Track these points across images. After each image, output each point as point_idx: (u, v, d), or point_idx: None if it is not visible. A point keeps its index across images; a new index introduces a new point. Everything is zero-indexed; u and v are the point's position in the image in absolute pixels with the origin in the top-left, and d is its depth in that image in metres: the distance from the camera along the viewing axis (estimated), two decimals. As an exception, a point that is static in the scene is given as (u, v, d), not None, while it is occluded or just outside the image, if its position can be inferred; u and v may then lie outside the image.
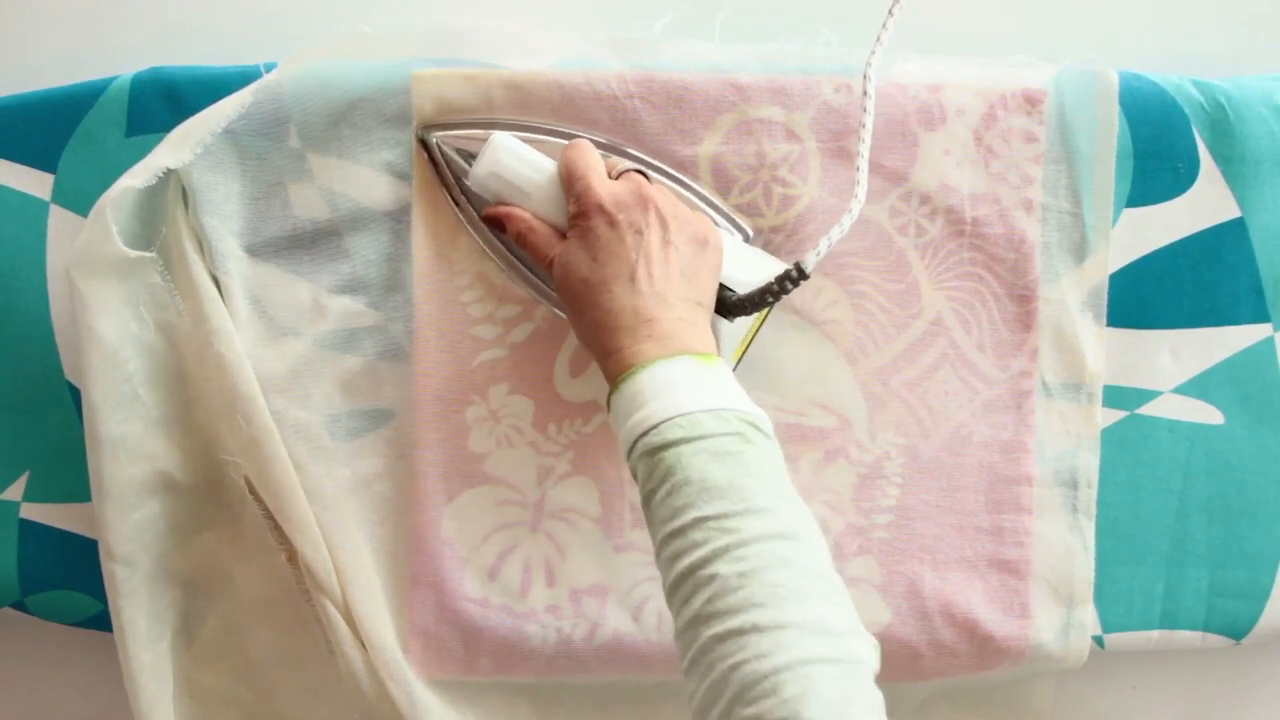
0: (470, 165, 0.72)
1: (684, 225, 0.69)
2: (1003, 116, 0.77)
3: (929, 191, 0.78)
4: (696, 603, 0.57)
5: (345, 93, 0.74)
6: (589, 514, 0.79)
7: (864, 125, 0.72)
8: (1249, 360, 0.81)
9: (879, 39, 0.73)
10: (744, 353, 0.75)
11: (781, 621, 0.55)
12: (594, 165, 0.70)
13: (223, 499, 0.78)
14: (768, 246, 0.77)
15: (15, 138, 0.77)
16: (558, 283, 0.69)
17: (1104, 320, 0.80)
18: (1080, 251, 0.79)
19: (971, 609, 0.79)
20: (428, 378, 0.77)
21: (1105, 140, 0.78)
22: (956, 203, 0.78)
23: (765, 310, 0.73)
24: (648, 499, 0.62)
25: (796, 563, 0.58)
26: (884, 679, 0.80)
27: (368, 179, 0.76)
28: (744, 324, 0.74)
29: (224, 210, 0.74)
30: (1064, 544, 0.80)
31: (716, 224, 0.75)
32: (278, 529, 0.75)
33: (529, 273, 0.76)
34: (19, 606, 0.81)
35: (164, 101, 0.76)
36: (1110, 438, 0.81)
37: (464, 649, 0.78)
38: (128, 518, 0.74)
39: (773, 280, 0.69)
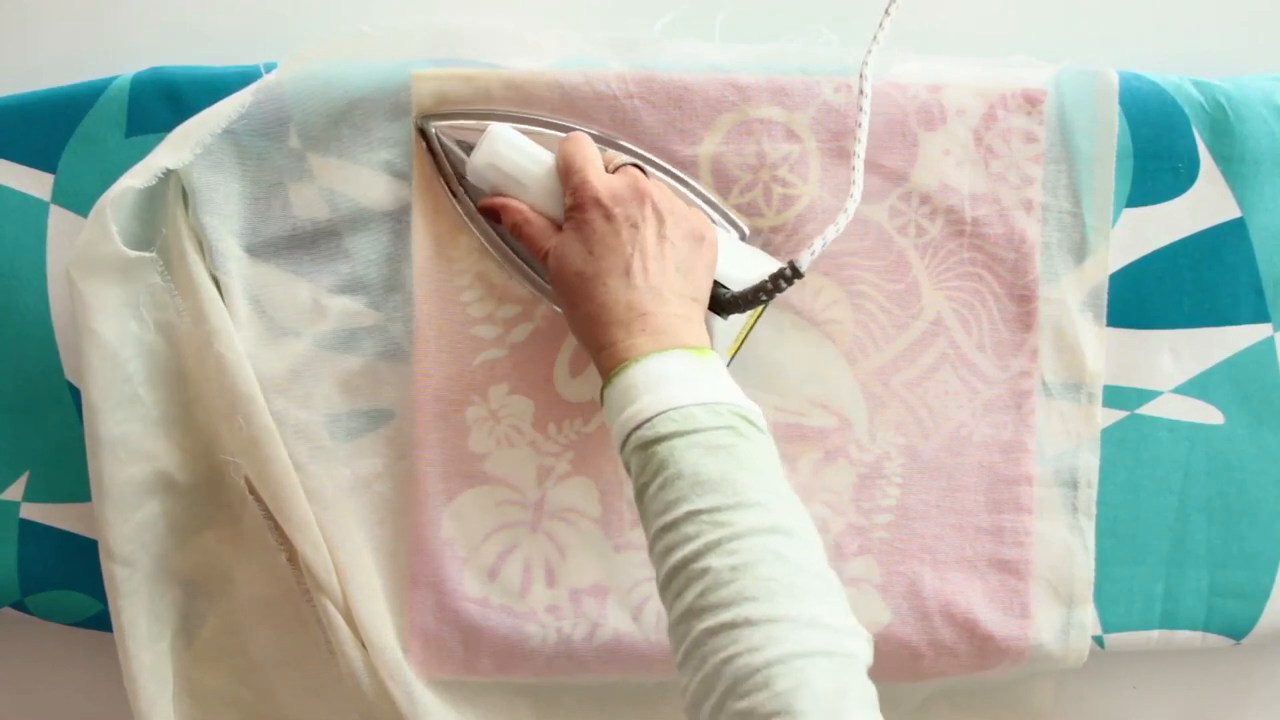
0: (469, 156, 0.72)
1: (680, 221, 0.69)
2: (1003, 116, 0.77)
3: (929, 191, 0.78)
4: (689, 596, 0.57)
5: (345, 93, 0.74)
6: (589, 514, 0.79)
7: (860, 125, 0.72)
8: (1249, 360, 0.81)
9: (875, 38, 0.73)
10: (738, 350, 0.75)
11: (774, 615, 0.55)
12: (591, 158, 0.70)
13: (223, 499, 0.78)
14: (767, 246, 0.77)
15: (15, 138, 0.77)
16: (552, 275, 0.69)
17: (1104, 320, 0.80)
18: (1080, 251, 0.79)
19: (971, 609, 0.79)
20: (428, 378, 0.77)
21: (1105, 140, 0.78)
22: (956, 203, 0.78)
23: (760, 308, 0.74)
24: (641, 493, 0.62)
25: (789, 557, 0.58)
26: (884, 679, 0.80)
27: (368, 179, 0.76)
28: (738, 321, 0.74)
29: (224, 210, 0.74)
30: (1064, 544, 0.80)
31: (713, 221, 0.75)
32: (278, 529, 0.75)
33: (524, 265, 0.76)
34: (19, 606, 0.81)
35: (164, 101, 0.76)
36: (1110, 438, 0.81)
37: (464, 649, 0.78)
38: (128, 518, 0.74)
39: (767, 278, 0.70)
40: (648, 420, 0.62)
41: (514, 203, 0.71)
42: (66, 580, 0.80)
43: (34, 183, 0.77)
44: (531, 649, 0.78)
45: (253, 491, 0.75)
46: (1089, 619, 0.81)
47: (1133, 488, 0.82)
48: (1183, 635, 0.83)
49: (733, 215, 0.76)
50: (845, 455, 0.79)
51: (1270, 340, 0.81)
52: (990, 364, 0.79)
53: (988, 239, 0.78)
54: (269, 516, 0.76)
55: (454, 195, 0.75)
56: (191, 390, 0.76)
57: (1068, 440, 0.80)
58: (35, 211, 0.77)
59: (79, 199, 0.77)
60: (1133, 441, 0.81)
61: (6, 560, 0.80)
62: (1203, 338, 0.81)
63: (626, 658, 0.79)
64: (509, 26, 0.77)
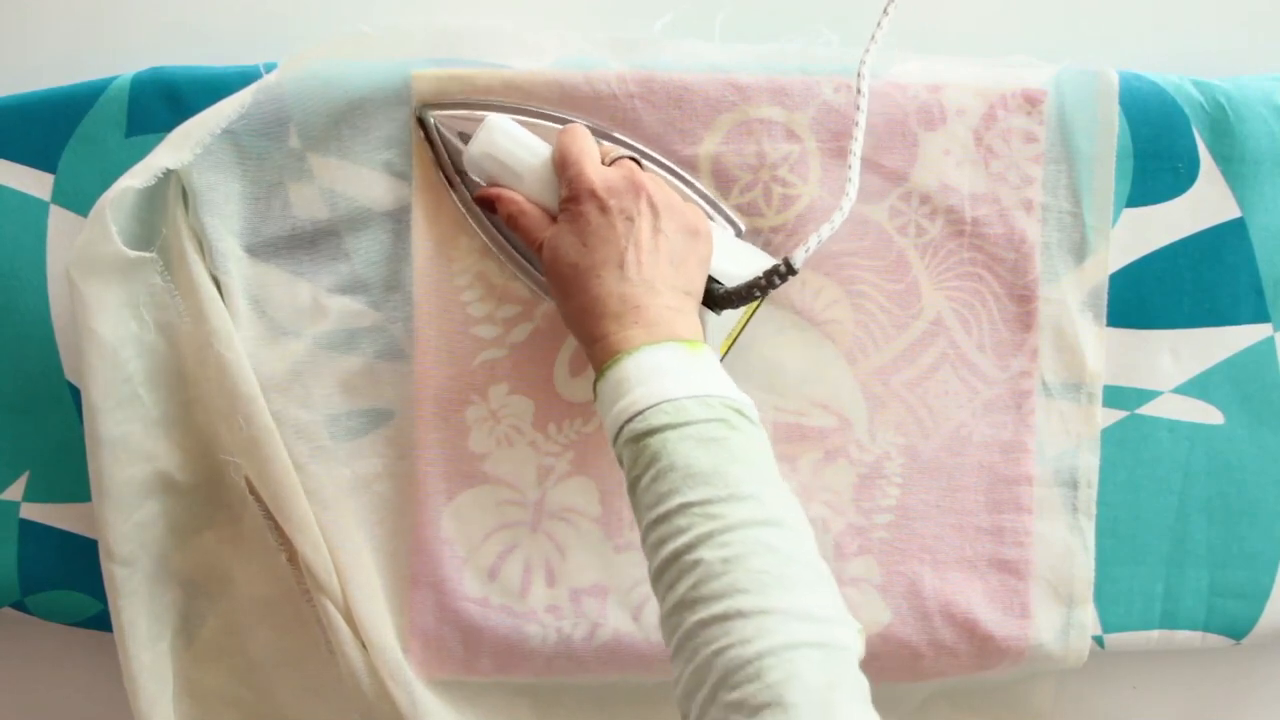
0: (466, 146, 0.72)
1: (675, 214, 0.69)
2: (1003, 116, 0.77)
3: (929, 191, 0.78)
4: (681, 588, 0.58)
5: (345, 93, 0.74)
6: (589, 514, 0.79)
7: (857, 123, 0.72)
8: (1249, 360, 0.81)
9: (873, 38, 0.73)
10: (731, 346, 0.75)
11: (765, 607, 0.55)
12: (588, 150, 0.70)
13: (223, 499, 0.78)
14: (768, 246, 0.77)
15: (15, 138, 0.77)
16: (546, 266, 0.69)
17: (1104, 320, 0.80)
18: (1080, 251, 0.79)
19: (971, 609, 0.79)
20: (428, 378, 0.77)
21: (1105, 140, 0.78)
22: (956, 203, 0.78)
23: (754, 305, 0.74)
24: (633, 485, 0.62)
25: (781, 549, 0.58)
26: (884, 679, 0.81)
27: (368, 179, 0.76)
28: (732, 317, 0.74)
29: (224, 210, 0.74)
30: (1064, 544, 0.80)
31: (710, 217, 0.75)
32: (278, 529, 0.75)
33: (520, 256, 0.76)
34: (19, 606, 0.81)
35: (164, 101, 0.76)
36: (1110, 438, 0.81)
37: (464, 649, 0.78)
38: (128, 518, 0.74)
39: (761, 274, 0.70)
40: (640, 413, 0.62)
41: (509, 193, 0.71)
42: (66, 580, 0.80)
43: (34, 183, 0.77)
44: (531, 649, 0.78)
45: (253, 491, 0.75)
46: (1089, 619, 0.81)
47: (1133, 488, 0.82)
48: (1183, 635, 0.83)
49: (729, 211, 0.76)
50: (845, 455, 0.79)
51: (1270, 340, 0.81)
52: (990, 364, 0.79)
53: (988, 239, 0.78)
54: (269, 516, 0.76)
55: (451, 185, 0.75)
56: (191, 390, 0.76)
57: (1068, 440, 0.80)
58: (35, 211, 0.77)
59: (79, 199, 0.77)
60: (1133, 441, 0.81)
61: (6, 560, 0.80)
62: (1203, 338, 0.81)
63: (626, 658, 0.79)
64: (509, 26, 0.77)
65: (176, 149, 0.72)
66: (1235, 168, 0.79)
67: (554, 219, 0.70)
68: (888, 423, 0.79)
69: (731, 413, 0.62)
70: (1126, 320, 0.80)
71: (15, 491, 0.79)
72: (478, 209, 0.75)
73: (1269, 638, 0.83)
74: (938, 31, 0.81)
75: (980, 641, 0.79)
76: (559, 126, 0.73)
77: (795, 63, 0.77)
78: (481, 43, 0.76)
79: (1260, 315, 0.81)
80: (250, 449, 0.74)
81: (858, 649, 0.57)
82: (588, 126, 0.73)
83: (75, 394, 0.78)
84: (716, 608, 0.56)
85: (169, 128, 0.74)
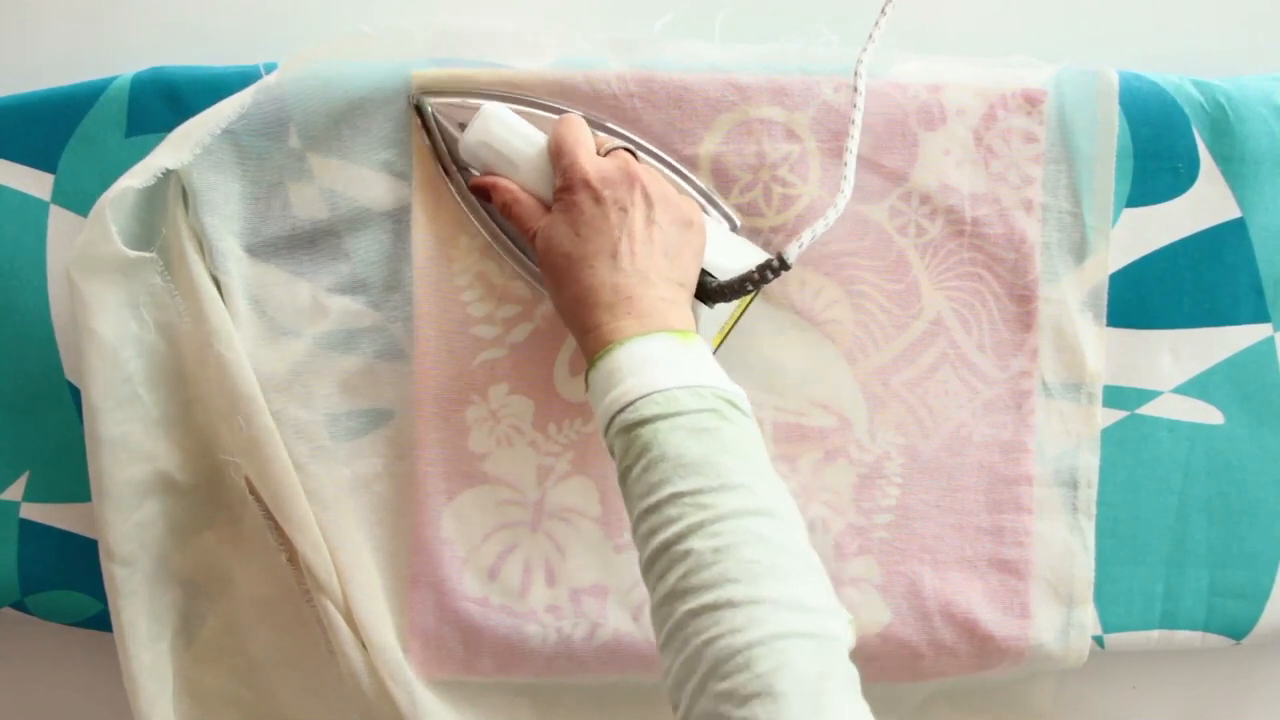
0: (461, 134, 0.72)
1: (669, 206, 0.69)
2: (1003, 116, 0.77)
3: (929, 191, 0.78)
4: (671, 578, 0.58)
5: (345, 93, 0.74)
6: (589, 514, 0.79)
7: (853, 121, 0.72)
8: (1249, 360, 0.81)
9: (871, 37, 0.73)
10: (723, 340, 0.75)
11: (756, 597, 0.55)
12: (583, 141, 0.70)
13: (223, 499, 0.78)
14: (768, 246, 0.77)
15: (15, 138, 0.77)
16: (540, 256, 0.69)
17: (1104, 320, 0.80)
18: (1080, 251, 0.79)
19: (971, 609, 0.79)
20: (428, 378, 0.77)
21: (1105, 140, 0.78)
22: (956, 203, 0.78)
23: (747, 299, 0.74)
24: (624, 475, 0.62)
25: (771, 539, 0.58)
26: (884, 679, 0.81)
27: (368, 179, 0.76)
28: (725, 310, 0.74)
29: (224, 210, 0.74)
30: (1064, 544, 0.80)
31: (705, 210, 0.75)
32: (278, 529, 0.75)
33: (514, 246, 0.75)
34: (19, 606, 0.81)
35: (164, 101, 0.76)
36: (1110, 438, 0.81)
37: (464, 649, 0.78)
38: (128, 518, 0.74)
39: (754, 268, 0.70)
40: (631, 403, 0.62)
41: (504, 182, 0.71)
42: (66, 580, 0.80)
43: (34, 183, 0.77)
44: (531, 649, 0.78)
45: (253, 491, 0.75)
46: (1089, 619, 0.81)
47: (1133, 488, 0.82)
48: (1183, 635, 0.83)
49: (724, 205, 0.76)
50: (845, 455, 0.79)
51: (1270, 340, 0.81)
52: (990, 364, 0.79)
53: (988, 239, 0.78)
54: (269, 517, 0.76)
55: (447, 174, 0.75)
56: (191, 390, 0.76)
57: (1068, 440, 0.80)
58: (35, 211, 0.77)
59: (79, 199, 0.77)
60: (1133, 441, 0.81)
61: (6, 560, 0.80)
62: (1203, 338, 0.81)
63: (626, 658, 0.79)
64: (509, 26, 0.77)
65: (176, 149, 0.72)
66: (1235, 168, 0.79)
67: (548, 209, 0.70)
68: (888, 423, 0.79)
69: (723, 403, 0.62)
70: (1126, 320, 0.80)
71: (15, 491, 0.79)
72: (473, 198, 0.75)
73: (1269, 638, 0.83)
74: (938, 31, 0.81)
75: (980, 641, 0.79)
76: (555, 117, 0.73)
77: (795, 63, 0.77)
78: (481, 43, 0.76)
79: (1260, 315, 0.81)
80: (250, 449, 0.74)
81: (848, 639, 0.57)
82: (584, 117, 0.73)
83: (75, 394, 0.78)
84: (707, 597, 0.56)
85: (169, 128, 0.74)
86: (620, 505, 0.78)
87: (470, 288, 0.77)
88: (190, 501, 0.77)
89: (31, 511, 0.80)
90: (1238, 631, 0.83)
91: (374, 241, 0.76)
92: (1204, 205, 0.79)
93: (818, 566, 0.60)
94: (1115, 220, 0.79)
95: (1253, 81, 0.80)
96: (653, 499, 0.60)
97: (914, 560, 0.79)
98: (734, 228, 0.76)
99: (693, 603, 0.56)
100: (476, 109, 0.72)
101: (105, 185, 0.72)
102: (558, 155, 0.70)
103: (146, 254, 0.74)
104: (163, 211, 0.75)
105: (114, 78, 0.77)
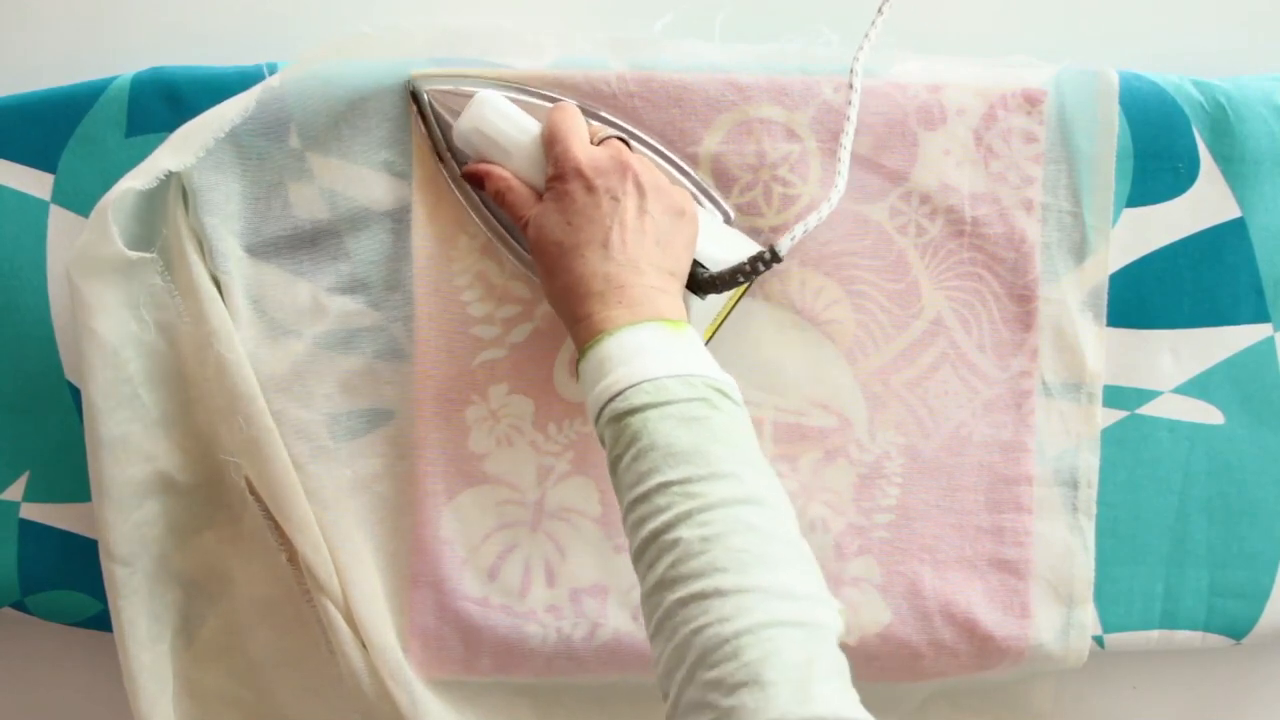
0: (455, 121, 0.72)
1: (661, 195, 0.69)
2: (1003, 116, 0.77)
3: (929, 191, 0.78)
4: (660, 567, 0.58)
5: (345, 93, 0.74)
6: (589, 514, 0.79)
7: (848, 118, 0.72)
8: (1249, 360, 0.81)
9: (867, 35, 0.73)
10: (715, 331, 0.75)
11: (744, 586, 0.55)
12: (576, 129, 0.70)
13: (223, 499, 0.78)
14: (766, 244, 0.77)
15: (15, 138, 0.77)
16: (532, 244, 0.69)
17: (1104, 320, 0.80)
18: (1080, 251, 0.79)
19: (971, 609, 0.79)
20: (428, 377, 0.77)
21: (1105, 140, 0.78)
22: (956, 202, 0.78)
23: (739, 291, 0.74)
24: (614, 465, 0.62)
25: (760, 528, 0.58)
26: (884, 679, 0.81)
27: (368, 179, 0.76)
28: (716, 303, 0.74)
29: (224, 210, 0.74)
30: (1064, 544, 0.80)
31: (700, 202, 0.75)
32: (278, 529, 0.75)
33: (507, 233, 0.75)
34: (19, 606, 0.81)
35: (164, 101, 0.76)
36: (1110, 438, 0.81)
37: (464, 649, 0.78)
38: (128, 518, 0.74)
39: (745, 260, 0.70)
40: (621, 392, 0.62)
41: (497, 169, 0.71)
42: (66, 580, 0.80)
43: (34, 183, 0.77)
44: (531, 649, 0.78)
45: (253, 492, 0.75)
46: (1089, 619, 0.81)
47: (1133, 488, 0.82)
48: (1183, 635, 0.83)
49: (718, 197, 0.76)
50: (845, 455, 0.79)
51: (1270, 340, 0.81)
52: (990, 364, 0.79)
53: (988, 239, 0.78)
54: (269, 517, 0.76)
55: (441, 160, 0.75)
56: (192, 390, 0.76)
57: (1068, 440, 0.80)
58: (35, 211, 0.77)
59: (79, 199, 0.77)
60: (1133, 441, 0.81)
61: (6, 560, 0.80)
62: (1203, 338, 0.81)
63: (626, 658, 0.79)
64: (509, 26, 0.77)
65: (179, 151, 0.72)
66: (1235, 168, 0.79)
67: (541, 197, 0.70)
68: (888, 422, 0.79)
69: (713, 392, 0.62)
70: (1126, 320, 0.80)
71: (15, 491, 0.79)
72: (467, 185, 0.75)
73: (1269, 638, 0.83)
74: (938, 31, 0.81)
75: (980, 641, 0.79)
76: (550, 105, 0.73)
77: (795, 63, 0.77)
78: (481, 43, 0.76)
79: (1260, 315, 0.81)
80: (250, 449, 0.74)
81: (838, 628, 0.57)
82: (579, 106, 0.73)
83: (75, 394, 0.78)
84: (695, 586, 0.56)
85: (169, 128, 0.74)
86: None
87: (470, 288, 0.77)
88: (190, 501, 0.77)
89: (31, 511, 0.80)
90: (1238, 631, 0.83)
91: (374, 241, 0.76)
92: (1204, 205, 0.79)
93: (807, 555, 0.60)
94: (1115, 220, 0.79)
95: (1253, 81, 0.80)
96: (642, 488, 0.60)
97: (914, 560, 0.79)
98: (727, 219, 0.76)
99: (681, 591, 0.56)
100: (471, 96, 0.72)
101: (105, 185, 0.72)
102: (551, 143, 0.70)
103: (147, 254, 0.74)
104: (163, 211, 0.75)
105: (114, 78, 0.77)
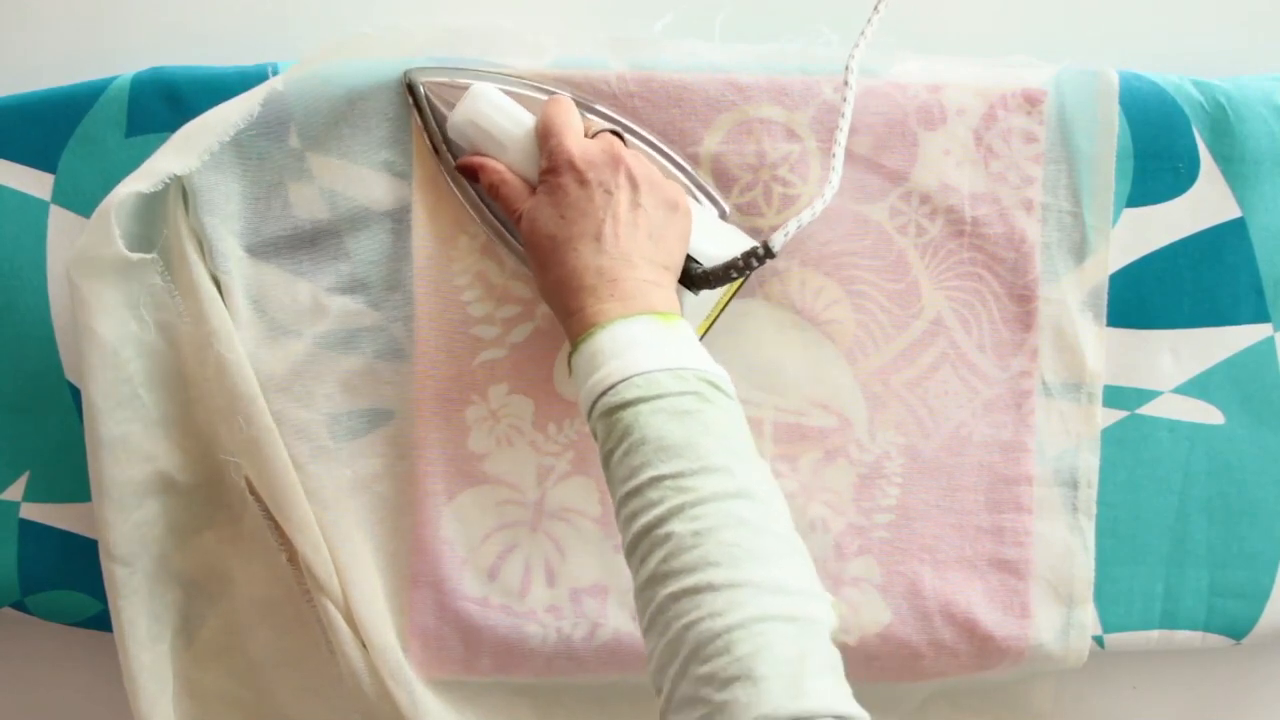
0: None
1: (654, 188, 0.69)
2: (1003, 116, 0.77)
3: (929, 191, 0.78)
4: (653, 562, 0.58)
5: (345, 93, 0.74)
6: (589, 514, 0.79)
7: (843, 114, 0.72)
8: (1249, 360, 0.81)
9: (863, 33, 0.73)
10: (710, 326, 0.75)
11: (736, 580, 0.55)
12: (570, 123, 0.70)
13: (223, 499, 0.78)
14: (766, 245, 0.77)
15: (15, 138, 0.77)
16: (525, 237, 0.69)
17: (1104, 320, 0.80)
18: (1080, 251, 0.79)
19: (971, 609, 0.79)
20: (428, 377, 0.77)
21: (1105, 140, 0.78)
22: (956, 202, 0.78)
23: (732, 287, 0.74)
24: (606, 459, 0.62)
25: (752, 521, 0.58)
26: (884, 679, 0.81)
27: (368, 179, 0.76)
28: (710, 298, 0.74)
29: (224, 210, 0.74)
30: (1064, 544, 0.80)
31: (694, 197, 0.75)
32: (278, 529, 0.75)
33: (501, 226, 0.75)
34: (19, 606, 0.81)
35: (164, 101, 0.76)
36: (1110, 438, 0.81)
37: (464, 649, 0.78)
38: (128, 518, 0.74)
39: (738, 256, 0.70)
40: (612, 386, 0.62)
41: (492, 162, 0.71)
42: (66, 580, 0.80)
43: (34, 183, 0.77)
44: (531, 649, 0.78)
45: (253, 492, 0.75)
46: (1089, 619, 0.81)
47: (1133, 488, 0.82)
48: (1183, 635, 0.83)
49: (713, 192, 0.76)
50: (845, 455, 0.79)
51: (1270, 340, 0.81)
52: (990, 364, 0.79)
53: (988, 239, 0.78)
54: (269, 517, 0.76)
55: (437, 152, 0.75)
56: (192, 391, 0.76)
57: (1068, 440, 0.80)
58: (35, 211, 0.77)
59: (79, 199, 0.77)
60: (1133, 441, 0.81)
61: (6, 560, 0.80)
62: (1203, 338, 0.81)
63: (626, 658, 0.79)
64: (509, 26, 0.77)
65: (182, 154, 0.72)
66: (1235, 168, 0.79)
67: (535, 190, 0.70)
68: (888, 422, 0.79)
69: (705, 385, 0.62)
70: (1126, 320, 0.80)
71: (15, 491, 0.79)
72: (461, 178, 0.75)
73: (1269, 638, 0.83)
74: (938, 31, 0.81)
75: (980, 641, 0.79)
76: (545, 98, 0.73)
77: (795, 63, 0.77)
78: (481, 42, 0.76)
79: (1260, 315, 0.81)
80: (250, 449, 0.74)
81: (831, 622, 0.57)
82: (574, 99, 0.73)
83: (75, 394, 0.78)
84: (687, 581, 0.56)
85: (169, 128, 0.74)
86: (620, 505, 0.78)
87: (470, 288, 0.77)
88: (190, 501, 0.77)
89: (31, 511, 0.80)
90: (1238, 631, 0.83)
91: (374, 241, 0.76)
92: (1204, 205, 0.79)
93: (800, 548, 0.60)
94: (1115, 220, 0.79)
95: (1253, 81, 0.80)
96: (634, 482, 0.60)
97: (914, 560, 0.79)
98: (723, 215, 0.76)
99: (673, 586, 0.56)
100: (467, 88, 0.72)
101: (105, 185, 0.72)
102: (545, 136, 0.70)
103: (147, 256, 0.74)
104: (163, 212, 0.75)
105: (114, 78, 0.77)
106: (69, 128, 0.77)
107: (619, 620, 0.78)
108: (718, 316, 0.75)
